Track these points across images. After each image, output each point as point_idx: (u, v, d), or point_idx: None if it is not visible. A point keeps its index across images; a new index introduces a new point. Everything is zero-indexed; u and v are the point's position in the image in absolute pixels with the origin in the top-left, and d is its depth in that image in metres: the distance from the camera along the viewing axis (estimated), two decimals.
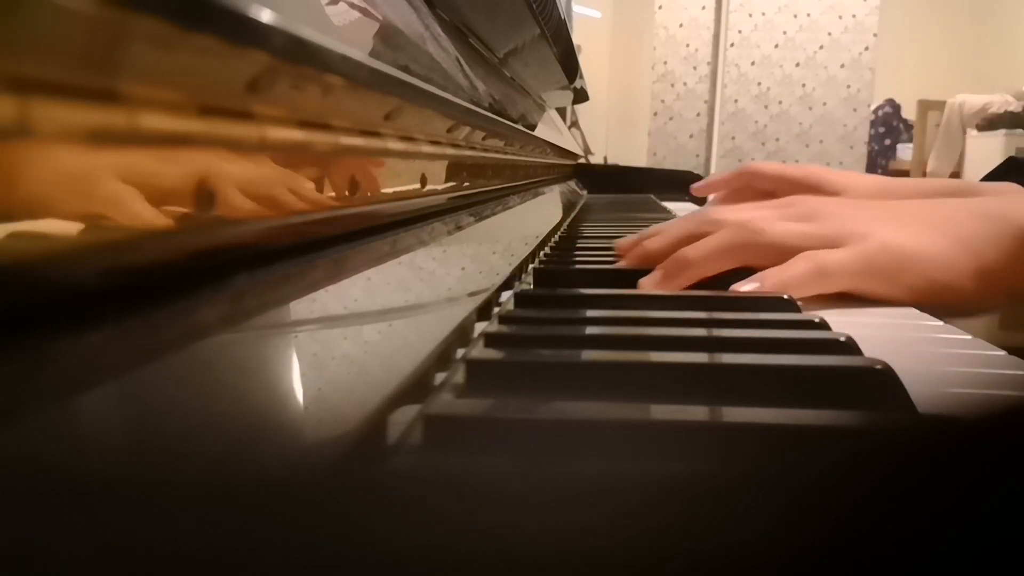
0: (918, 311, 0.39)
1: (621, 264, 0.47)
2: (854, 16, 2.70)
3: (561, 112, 1.77)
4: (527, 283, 0.43)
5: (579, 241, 0.66)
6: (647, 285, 0.42)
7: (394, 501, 0.10)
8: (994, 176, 0.70)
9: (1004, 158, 0.62)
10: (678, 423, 0.19)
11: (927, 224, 0.41)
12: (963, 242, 0.40)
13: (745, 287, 0.39)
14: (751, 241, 0.41)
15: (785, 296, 0.38)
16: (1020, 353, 0.30)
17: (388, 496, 0.10)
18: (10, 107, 0.10)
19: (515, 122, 0.61)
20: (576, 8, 2.35)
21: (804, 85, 2.75)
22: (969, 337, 0.33)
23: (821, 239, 0.41)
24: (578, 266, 0.52)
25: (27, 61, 0.10)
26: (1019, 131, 3.13)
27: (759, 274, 0.39)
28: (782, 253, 0.40)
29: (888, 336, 0.33)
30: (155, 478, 0.10)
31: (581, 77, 1.31)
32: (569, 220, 0.85)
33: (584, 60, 1.45)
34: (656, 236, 0.46)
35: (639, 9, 3.10)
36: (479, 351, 0.27)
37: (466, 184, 0.42)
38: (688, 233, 0.44)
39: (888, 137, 4.13)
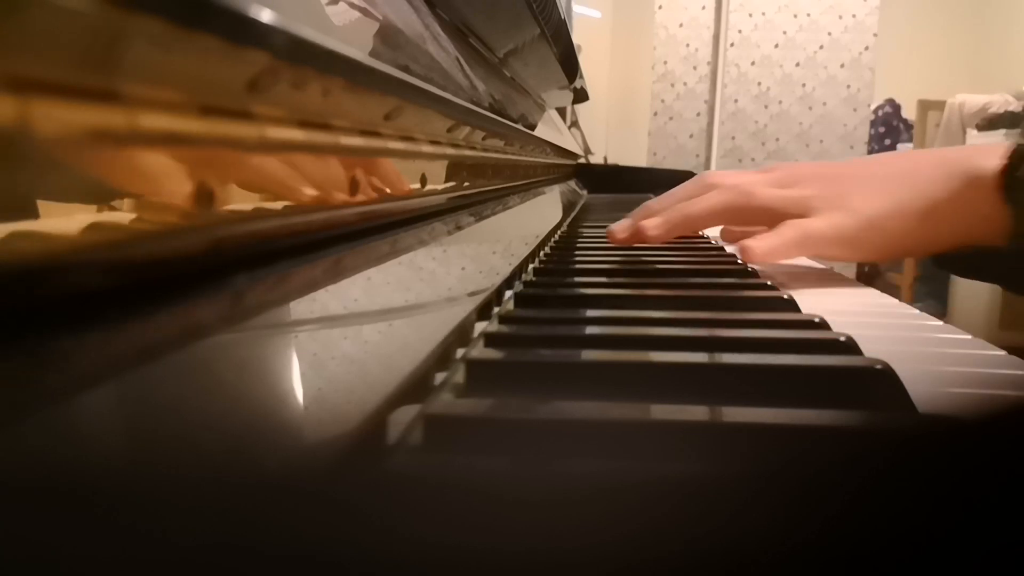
0: (919, 311, 0.39)
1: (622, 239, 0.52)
2: (854, 16, 2.69)
3: (561, 112, 1.77)
4: (527, 283, 0.43)
5: (579, 241, 0.66)
6: (649, 227, 0.50)
7: (394, 500, 0.10)
8: None
9: None
10: (678, 423, 0.19)
11: (895, 180, 0.47)
12: (918, 188, 0.46)
13: (751, 243, 0.47)
14: (743, 204, 0.49)
15: (785, 296, 0.38)
16: (1020, 353, 0.30)
17: (388, 496, 0.10)
18: (10, 107, 0.10)
19: (515, 122, 0.61)
20: (576, 8, 2.34)
21: (804, 85, 2.74)
22: (969, 337, 0.33)
23: (802, 204, 0.48)
24: (578, 266, 0.52)
25: (27, 61, 0.10)
26: (1019, 131, 3.13)
27: (757, 236, 0.47)
28: (768, 215, 0.48)
29: (888, 336, 0.33)
30: (155, 478, 0.10)
31: (581, 77, 1.31)
32: (569, 220, 0.85)
33: (584, 60, 1.44)
34: (659, 200, 0.53)
35: (639, 9, 3.09)
36: (479, 351, 0.27)
37: (466, 184, 0.42)
38: (689, 195, 0.52)
39: (888, 137, 4.12)
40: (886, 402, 0.23)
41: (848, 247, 0.47)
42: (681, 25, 2.76)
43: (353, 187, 0.23)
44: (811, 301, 0.38)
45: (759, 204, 0.49)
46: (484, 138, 0.45)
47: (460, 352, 0.26)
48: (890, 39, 3.20)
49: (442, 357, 0.23)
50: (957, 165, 0.46)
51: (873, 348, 0.27)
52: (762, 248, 0.47)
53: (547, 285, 0.44)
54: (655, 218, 0.51)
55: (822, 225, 0.47)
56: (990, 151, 0.45)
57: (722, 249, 0.59)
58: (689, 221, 0.50)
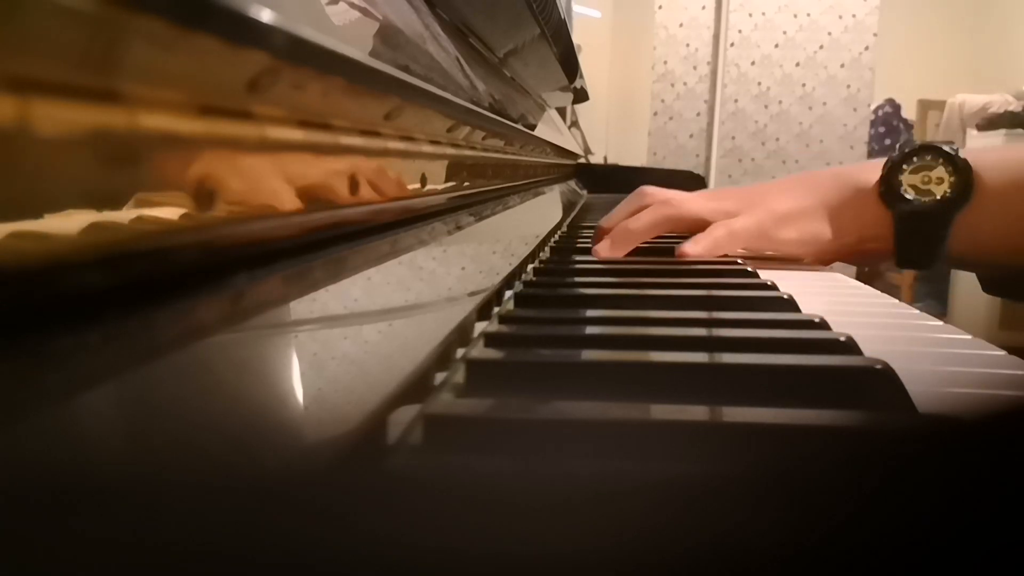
0: (919, 311, 0.39)
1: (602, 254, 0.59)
2: (854, 16, 2.69)
3: (561, 112, 1.77)
4: (527, 283, 0.43)
5: (579, 241, 0.66)
6: (601, 250, 0.57)
7: (394, 501, 0.10)
8: None
9: None
10: (678, 423, 0.19)
11: (799, 189, 0.57)
12: (821, 197, 0.56)
13: (686, 247, 0.55)
14: (676, 214, 0.58)
15: (785, 296, 0.38)
16: (1020, 353, 0.30)
17: (388, 496, 0.10)
18: (10, 107, 0.10)
19: (515, 122, 0.61)
20: (576, 8, 2.34)
21: (804, 85, 2.74)
22: (969, 337, 0.33)
23: (725, 213, 0.57)
24: (578, 266, 0.52)
25: (27, 61, 0.10)
26: (1019, 131, 3.12)
27: (692, 238, 0.56)
28: (699, 223, 0.57)
29: (888, 336, 0.33)
30: (155, 478, 0.10)
31: (581, 77, 1.31)
32: (569, 220, 0.85)
33: (584, 60, 1.44)
34: (609, 219, 0.61)
35: (639, 9, 3.09)
36: (479, 351, 0.27)
37: (466, 184, 0.42)
38: (630, 211, 0.60)
39: (888, 137, 4.12)
40: (886, 402, 0.23)
41: (768, 240, 0.56)
42: (681, 25, 2.75)
43: (353, 187, 0.23)
44: (811, 300, 0.38)
45: (689, 212, 0.58)
46: (484, 138, 0.45)
47: (460, 352, 0.26)
48: (890, 39, 3.20)
49: (442, 357, 0.23)
50: (848, 178, 0.57)
51: (873, 348, 0.27)
52: (695, 248, 0.55)
53: (547, 285, 0.44)
54: (604, 241, 0.58)
55: (746, 221, 0.56)
56: (874, 166, 0.56)
57: None
58: (633, 237, 0.58)
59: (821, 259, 0.59)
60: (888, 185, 0.54)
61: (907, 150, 0.54)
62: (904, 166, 0.54)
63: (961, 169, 0.52)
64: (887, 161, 0.54)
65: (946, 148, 0.53)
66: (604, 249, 0.57)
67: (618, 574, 0.08)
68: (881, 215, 0.55)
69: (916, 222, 0.53)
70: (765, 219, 0.56)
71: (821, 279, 0.52)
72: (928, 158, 0.53)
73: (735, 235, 0.56)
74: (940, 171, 0.53)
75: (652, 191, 0.61)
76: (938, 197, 0.52)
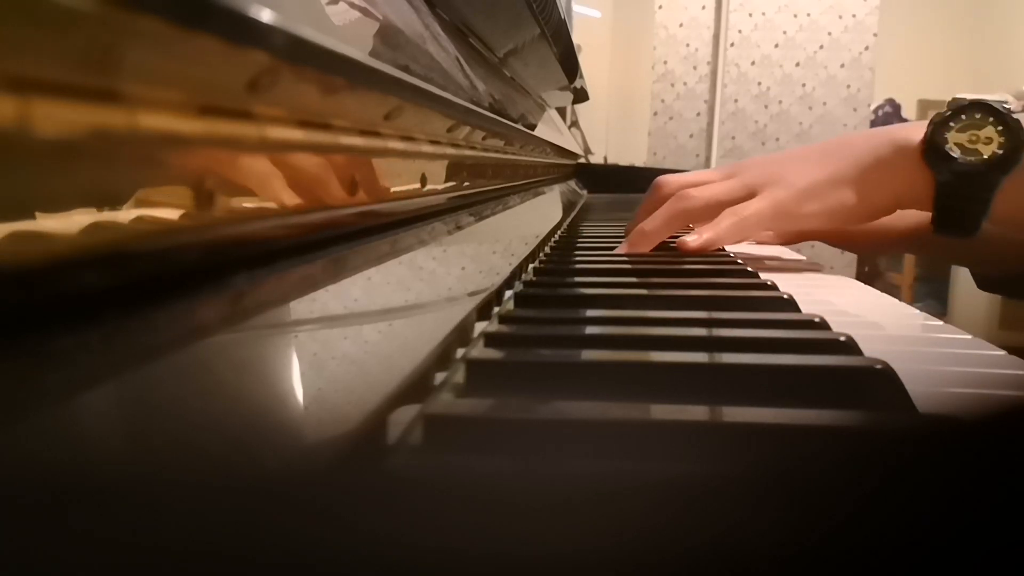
0: (919, 311, 0.39)
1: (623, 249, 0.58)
2: (854, 16, 2.69)
3: (561, 112, 1.77)
4: (527, 283, 0.43)
5: (579, 241, 0.66)
6: (621, 252, 0.56)
7: (394, 501, 0.10)
8: None
9: None
10: (678, 423, 0.19)
11: (824, 153, 0.53)
12: (851, 159, 0.52)
13: (688, 240, 0.52)
14: (686, 208, 0.55)
15: (785, 296, 0.38)
16: (1020, 353, 0.30)
17: (388, 496, 0.10)
18: (10, 107, 0.10)
19: (515, 122, 0.61)
20: (576, 8, 2.34)
21: (804, 85, 2.74)
22: (969, 337, 0.33)
23: (744, 190, 0.53)
24: (578, 266, 0.52)
25: (27, 61, 0.10)
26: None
27: (696, 231, 0.53)
28: (716, 207, 0.53)
29: (888, 335, 0.33)
30: (155, 478, 0.10)
31: (581, 77, 1.31)
32: (569, 220, 0.85)
33: (584, 60, 1.44)
34: (632, 223, 0.60)
35: (639, 9, 3.09)
36: (479, 351, 0.27)
37: (466, 184, 0.42)
38: (648, 209, 0.58)
39: None
40: (886, 402, 0.23)
41: (789, 218, 0.52)
42: (681, 25, 2.75)
43: (353, 187, 0.23)
44: (811, 300, 0.38)
45: (702, 202, 0.54)
46: (484, 138, 0.45)
47: (460, 352, 0.26)
48: (890, 39, 3.20)
49: (442, 357, 0.23)
50: (886, 137, 0.52)
51: (873, 348, 0.27)
52: (698, 241, 0.52)
53: (547, 285, 0.44)
54: (622, 246, 0.57)
55: (760, 204, 0.52)
56: (914, 126, 0.51)
57: (722, 249, 0.59)
58: (649, 239, 0.56)
59: (850, 227, 0.55)
60: (933, 143, 0.50)
61: (956, 107, 0.50)
62: (951, 123, 0.49)
63: (1012, 129, 0.48)
64: (932, 118, 0.50)
65: (997, 106, 0.49)
66: (623, 251, 0.56)
67: (618, 574, 0.08)
68: (921, 175, 0.50)
69: (960, 183, 0.49)
70: (784, 198, 0.52)
71: (821, 279, 0.52)
72: (978, 116, 0.49)
73: (746, 221, 0.52)
74: (989, 130, 0.49)
75: (668, 181, 0.59)
76: (985, 157, 0.49)
